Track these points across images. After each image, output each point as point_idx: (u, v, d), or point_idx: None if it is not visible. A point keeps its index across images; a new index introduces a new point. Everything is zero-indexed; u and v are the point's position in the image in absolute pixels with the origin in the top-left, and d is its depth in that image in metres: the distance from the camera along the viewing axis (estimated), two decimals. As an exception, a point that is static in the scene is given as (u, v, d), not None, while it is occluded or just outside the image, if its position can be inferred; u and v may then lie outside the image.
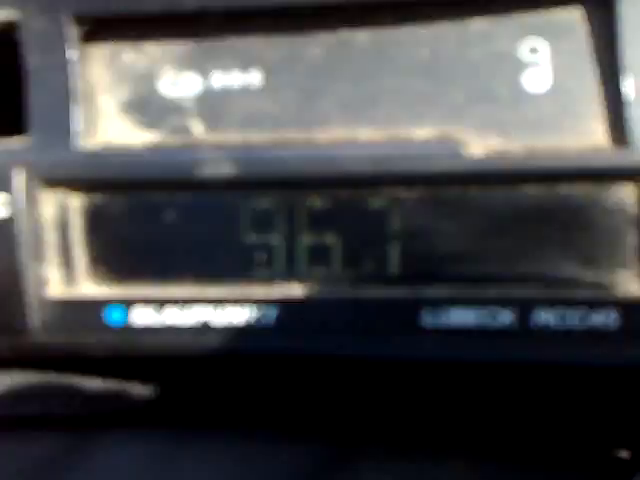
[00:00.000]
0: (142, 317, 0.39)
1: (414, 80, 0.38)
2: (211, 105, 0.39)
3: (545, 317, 0.38)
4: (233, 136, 0.39)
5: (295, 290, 0.39)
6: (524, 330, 0.38)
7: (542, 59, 0.38)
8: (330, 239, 0.39)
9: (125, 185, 0.39)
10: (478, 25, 0.38)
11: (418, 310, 0.38)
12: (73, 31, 0.39)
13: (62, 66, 0.39)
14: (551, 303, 0.37)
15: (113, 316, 0.40)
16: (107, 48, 0.40)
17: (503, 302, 0.38)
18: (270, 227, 0.39)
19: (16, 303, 0.40)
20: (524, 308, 0.38)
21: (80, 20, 0.39)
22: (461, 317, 0.38)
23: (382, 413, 0.43)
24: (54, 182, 0.40)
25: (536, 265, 0.38)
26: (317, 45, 0.39)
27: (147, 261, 0.40)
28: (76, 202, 0.40)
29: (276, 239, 0.39)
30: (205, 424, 0.43)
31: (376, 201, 0.38)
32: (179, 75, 0.39)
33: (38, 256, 0.40)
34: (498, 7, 0.38)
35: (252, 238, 0.39)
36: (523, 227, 0.38)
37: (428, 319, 0.38)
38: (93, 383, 0.44)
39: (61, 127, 0.39)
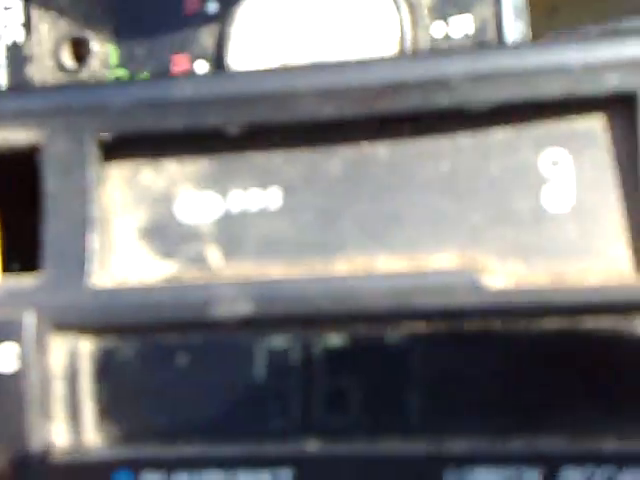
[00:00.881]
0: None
1: (434, 198, 0.38)
2: (229, 230, 0.38)
3: (573, 478, 0.35)
4: (250, 266, 0.38)
5: (311, 446, 0.37)
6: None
7: (564, 173, 0.37)
8: (348, 381, 0.38)
9: (138, 327, 0.38)
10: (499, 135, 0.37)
11: (441, 470, 0.36)
12: (94, 151, 0.38)
13: (81, 190, 0.38)
14: (578, 461, 0.35)
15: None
16: (126, 167, 0.39)
17: (529, 460, 0.35)
18: (286, 369, 0.38)
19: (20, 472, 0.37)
20: (551, 467, 0.35)
21: (102, 138, 0.38)
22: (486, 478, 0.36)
23: None
24: (65, 325, 0.38)
25: (560, 413, 0.36)
26: (336, 160, 0.39)
27: (157, 415, 0.38)
28: (86, 347, 0.38)
29: (292, 383, 0.38)
30: None
31: (395, 337, 0.37)
32: (198, 195, 0.39)
33: (45, 414, 0.37)
34: (519, 116, 0.37)
35: (266, 381, 0.38)
36: (544, 366, 0.36)
37: None
38: None
39: (75, 261, 0.38)
